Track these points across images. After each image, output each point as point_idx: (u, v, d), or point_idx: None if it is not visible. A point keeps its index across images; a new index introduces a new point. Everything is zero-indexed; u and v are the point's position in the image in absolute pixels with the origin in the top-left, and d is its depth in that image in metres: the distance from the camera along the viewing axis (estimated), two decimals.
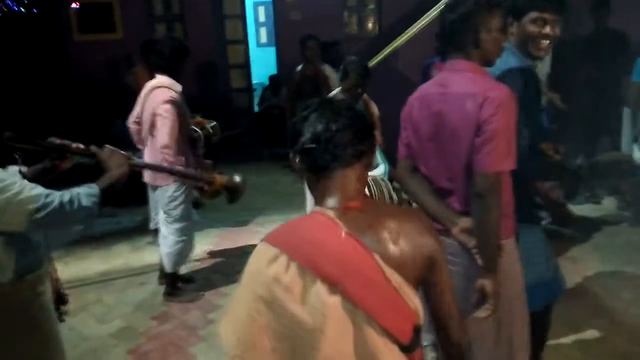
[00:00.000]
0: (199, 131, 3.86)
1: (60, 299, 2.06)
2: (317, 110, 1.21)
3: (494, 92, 1.73)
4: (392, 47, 6.43)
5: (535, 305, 2.12)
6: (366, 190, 2.85)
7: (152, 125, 3.32)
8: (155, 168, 2.94)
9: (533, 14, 2.10)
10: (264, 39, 10.07)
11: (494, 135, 1.70)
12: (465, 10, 1.80)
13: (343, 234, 1.14)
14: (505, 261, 1.84)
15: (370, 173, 3.23)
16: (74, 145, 1.92)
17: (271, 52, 8.66)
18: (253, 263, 1.21)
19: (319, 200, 1.23)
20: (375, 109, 3.84)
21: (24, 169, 1.89)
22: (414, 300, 1.16)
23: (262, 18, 9.90)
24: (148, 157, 3.42)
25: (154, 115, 3.28)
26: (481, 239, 1.77)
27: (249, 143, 7.47)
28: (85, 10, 7.70)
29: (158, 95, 3.29)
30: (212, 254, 4.37)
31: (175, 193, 3.41)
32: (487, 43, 1.82)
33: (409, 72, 5.98)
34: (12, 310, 1.68)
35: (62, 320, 2.02)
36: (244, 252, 4.34)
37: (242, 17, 8.05)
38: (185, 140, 3.43)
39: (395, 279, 1.14)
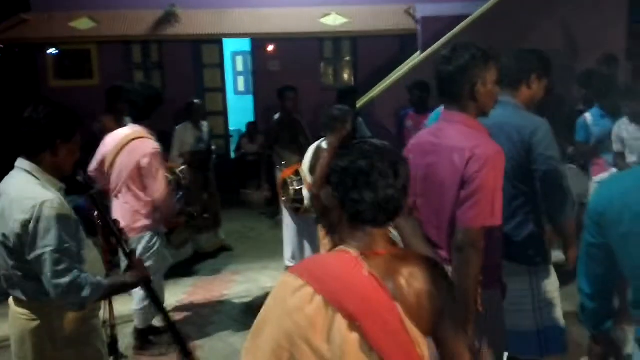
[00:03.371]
0: (170, 177, 3.85)
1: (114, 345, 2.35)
2: (374, 159, 1.22)
3: (481, 149, 1.74)
4: (369, 97, 6.61)
5: (527, 352, 2.15)
6: (392, 230, 2.84)
7: (132, 178, 3.21)
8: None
9: (544, 79, 2.30)
10: (241, 87, 10.24)
11: (477, 191, 1.71)
12: (462, 62, 1.80)
13: (365, 272, 1.16)
14: (487, 311, 1.83)
15: None
16: (125, 237, 2.24)
17: (248, 99, 8.79)
18: (278, 292, 1.22)
19: (346, 239, 1.25)
20: None
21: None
22: (425, 351, 1.17)
23: (239, 67, 10.09)
24: (118, 209, 3.29)
25: (138, 168, 3.18)
26: (458, 291, 1.73)
27: (224, 189, 7.45)
28: (62, 57, 7.74)
29: (141, 147, 3.20)
30: (185, 305, 4.25)
31: (150, 243, 3.33)
32: (484, 95, 1.84)
33: (384, 121, 6.14)
34: (62, 323, 1.95)
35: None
36: (218, 302, 4.24)
37: (221, 66, 8.21)
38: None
39: (412, 329, 1.15)
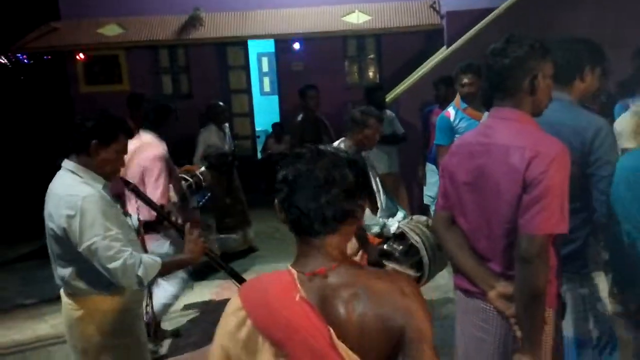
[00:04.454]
0: (190, 179, 3.90)
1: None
2: (302, 166, 1.15)
3: (545, 147, 1.57)
4: (393, 94, 6.54)
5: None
6: (414, 236, 2.74)
7: (141, 180, 3.29)
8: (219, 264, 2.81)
9: (598, 69, 2.09)
10: (267, 87, 10.29)
11: (544, 194, 1.53)
12: (520, 53, 1.66)
13: (297, 297, 1.11)
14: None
15: (395, 220, 3.14)
16: (174, 217, 2.42)
17: (274, 100, 8.83)
18: (226, 309, 1.22)
19: (296, 258, 1.19)
20: None
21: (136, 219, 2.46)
22: None
23: (265, 68, 10.14)
24: (133, 211, 3.38)
25: (143, 170, 3.30)
26: (524, 309, 1.59)
27: (250, 190, 7.50)
28: (92, 63, 7.92)
29: (148, 150, 3.33)
30: (212, 306, 4.29)
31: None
32: (543, 90, 1.69)
33: (409, 119, 6.06)
34: (105, 313, 2.14)
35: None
36: None
37: (246, 67, 8.27)
38: (176, 194, 3.49)
39: (350, 356, 1.08)
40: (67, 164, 2.10)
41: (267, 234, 5.96)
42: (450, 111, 3.83)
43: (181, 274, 3.52)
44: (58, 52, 7.99)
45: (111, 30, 7.64)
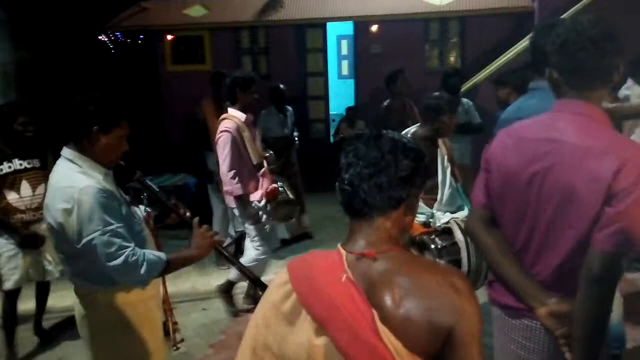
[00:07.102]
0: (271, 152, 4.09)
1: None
2: (360, 145, 1.15)
3: (631, 153, 1.39)
4: (472, 82, 6.23)
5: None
6: (459, 234, 2.59)
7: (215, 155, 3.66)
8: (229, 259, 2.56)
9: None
10: (345, 71, 10.21)
11: (632, 207, 1.36)
12: (609, 42, 1.44)
13: (344, 278, 1.10)
14: None
15: (454, 215, 2.99)
16: (182, 210, 2.25)
17: (351, 84, 8.74)
18: (272, 282, 1.24)
19: (347, 238, 1.19)
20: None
21: (145, 211, 2.27)
22: None
23: (344, 51, 10.06)
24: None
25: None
26: (583, 333, 1.41)
27: (322, 173, 7.50)
28: (178, 43, 8.23)
29: (219, 126, 3.54)
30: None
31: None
32: (618, 78, 1.49)
33: (490, 109, 5.74)
34: (106, 309, 1.99)
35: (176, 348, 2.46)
36: None
37: (324, 50, 8.23)
38: (247, 166, 3.61)
39: (392, 341, 1.04)
40: (65, 152, 1.92)
41: (339, 218, 5.94)
42: None
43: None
44: (148, 32, 8.37)
45: (196, 11, 7.87)
